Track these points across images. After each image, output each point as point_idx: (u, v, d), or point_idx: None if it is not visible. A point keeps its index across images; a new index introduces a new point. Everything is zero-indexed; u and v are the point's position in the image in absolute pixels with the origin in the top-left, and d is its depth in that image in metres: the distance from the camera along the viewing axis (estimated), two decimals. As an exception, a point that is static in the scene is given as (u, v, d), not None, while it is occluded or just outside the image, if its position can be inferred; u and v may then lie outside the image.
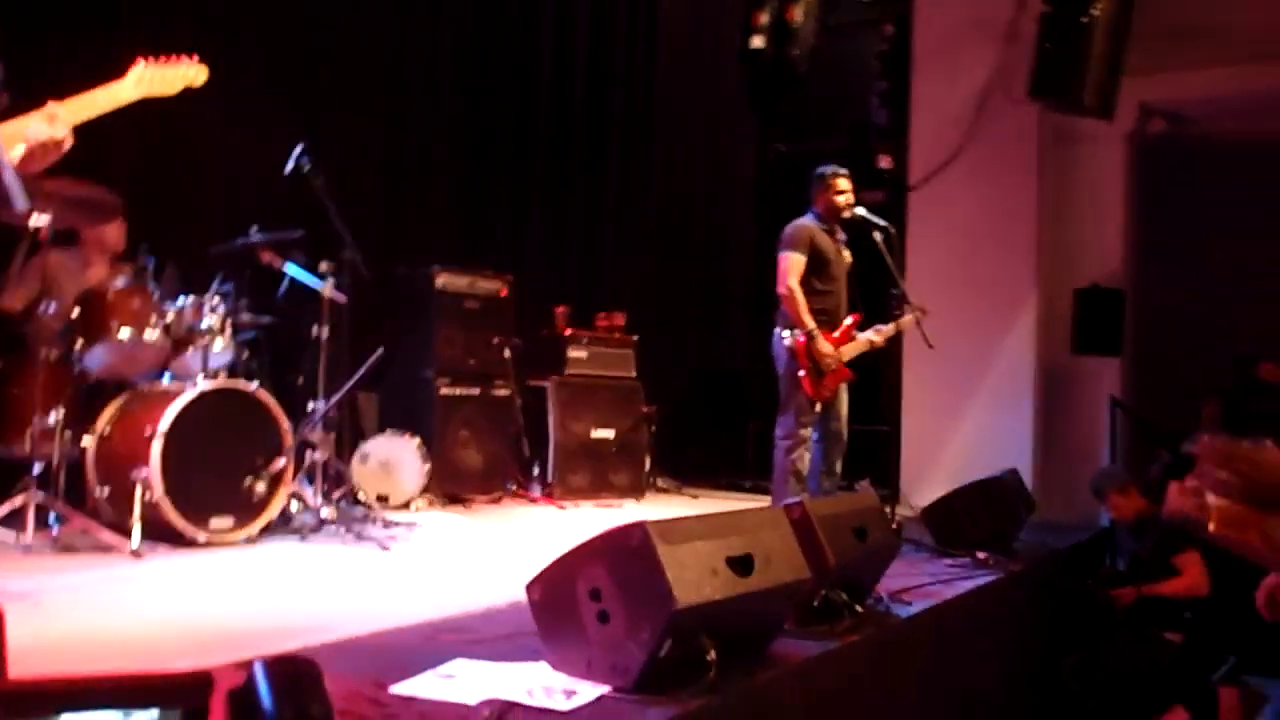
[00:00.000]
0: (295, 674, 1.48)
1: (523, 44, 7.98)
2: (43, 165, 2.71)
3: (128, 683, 1.22)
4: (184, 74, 2.98)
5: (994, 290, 6.64)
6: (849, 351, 5.31)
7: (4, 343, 4.63)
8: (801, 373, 5.15)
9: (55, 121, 2.64)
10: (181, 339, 4.73)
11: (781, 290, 5.23)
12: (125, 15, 5.51)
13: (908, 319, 5.39)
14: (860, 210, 5.37)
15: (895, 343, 5.70)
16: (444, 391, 6.35)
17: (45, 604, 3.32)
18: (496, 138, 7.75)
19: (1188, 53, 6.14)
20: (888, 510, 4.49)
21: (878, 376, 6.50)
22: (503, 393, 6.66)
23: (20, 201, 2.30)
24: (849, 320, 5.38)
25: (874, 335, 5.38)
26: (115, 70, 2.97)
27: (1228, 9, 6.08)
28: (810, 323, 5.17)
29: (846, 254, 5.47)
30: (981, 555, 4.65)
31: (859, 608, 3.23)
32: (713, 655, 2.44)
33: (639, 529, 2.40)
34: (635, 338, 7.29)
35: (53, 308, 4.46)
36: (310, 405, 5.21)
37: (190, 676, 1.24)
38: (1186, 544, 4.90)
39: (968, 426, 6.72)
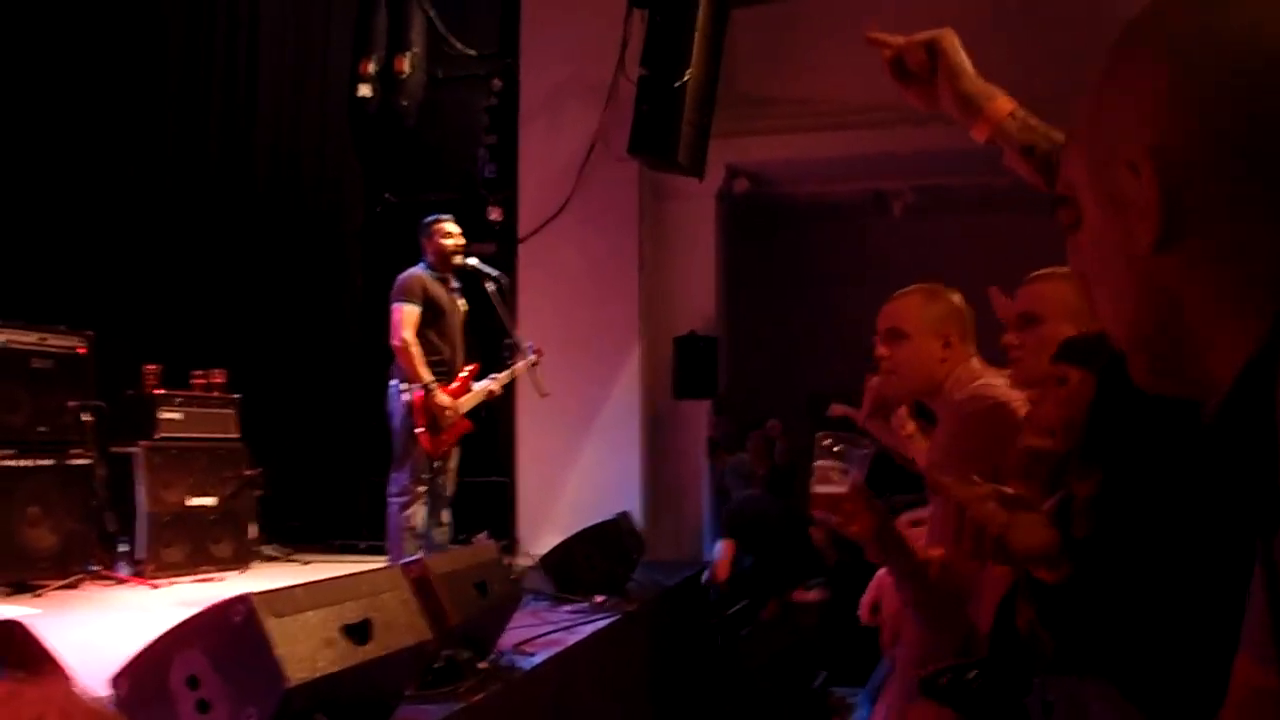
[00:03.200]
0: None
1: (104, 68, 7.29)
2: None
3: None
4: None
5: (600, 339, 6.87)
6: (467, 403, 5.27)
7: None
8: (419, 429, 5.03)
9: None
10: None
11: (395, 343, 5.10)
12: None
13: (524, 363, 5.44)
14: (472, 260, 5.38)
15: (509, 394, 5.73)
16: (6, 464, 5.54)
17: None
18: (71, 176, 7.00)
19: (767, 120, 6.75)
20: (507, 561, 4.48)
21: (492, 428, 6.50)
22: (81, 462, 5.93)
23: None
24: (466, 370, 5.34)
25: (491, 384, 5.39)
26: None
27: (802, 83, 6.75)
28: (428, 375, 5.07)
29: (461, 303, 5.44)
30: (599, 599, 4.74)
31: (482, 664, 3.16)
32: (329, 734, 2.26)
33: (242, 603, 2.18)
34: (237, 396, 6.80)
35: None
36: None
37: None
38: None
39: (580, 473, 6.87)
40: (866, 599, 3.19)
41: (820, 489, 1.88)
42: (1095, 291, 0.82)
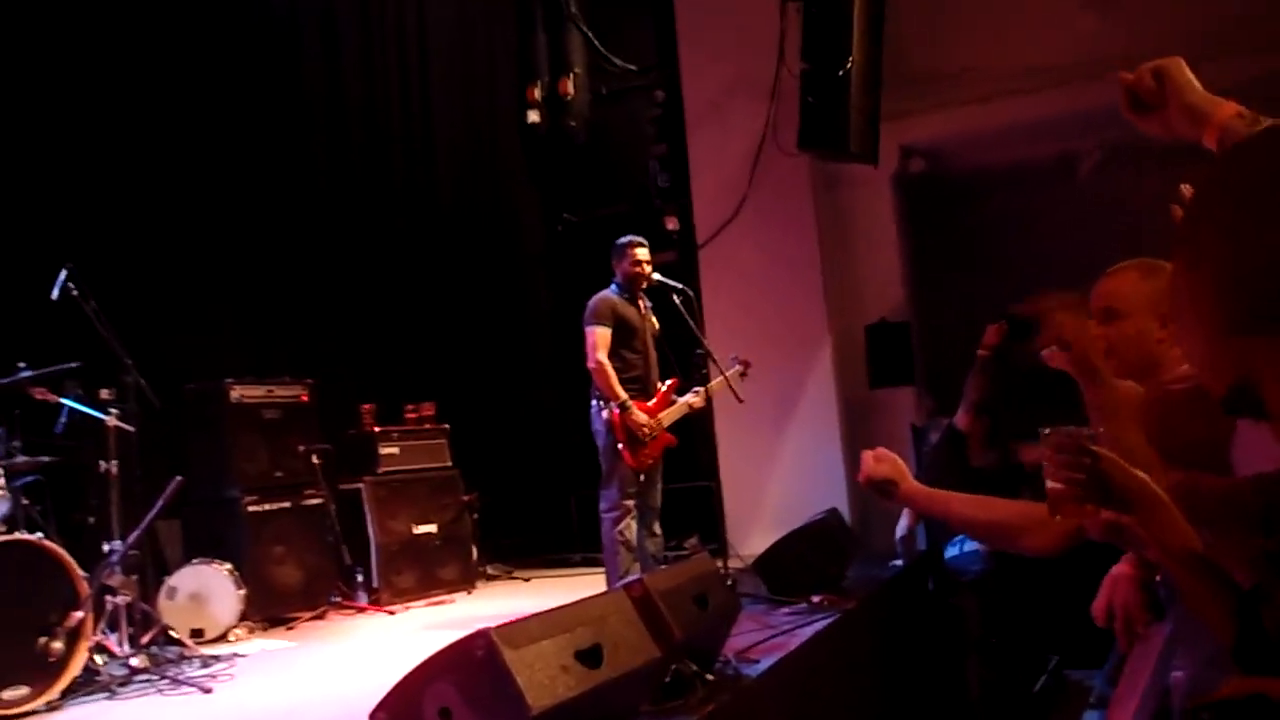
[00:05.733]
0: None
1: (294, 135, 7.77)
2: None
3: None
4: None
5: (789, 336, 6.84)
6: (668, 417, 5.36)
7: None
8: (621, 445, 5.17)
9: None
10: (-52, 495, 4.31)
11: (591, 365, 5.26)
12: None
13: (729, 374, 5.49)
14: (656, 276, 5.47)
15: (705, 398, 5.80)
16: (251, 509, 6.02)
17: None
18: (278, 238, 7.49)
19: (938, 95, 6.57)
20: (718, 564, 4.54)
21: (692, 433, 6.58)
22: (315, 501, 6.37)
23: None
24: (665, 385, 5.44)
25: (693, 398, 5.46)
26: None
27: (970, 52, 6.54)
28: (623, 394, 5.20)
29: (653, 320, 5.54)
30: (816, 599, 4.74)
31: (709, 676, 3.22)
32: (574, 757, 2.37)
33: (482, 638, 2.31)
34: (447, 426, 7.14)
35: None
36: (106, 546, 4.85)
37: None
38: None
39: (783, 471, 6.87)
40: (1099, 604, 3.05)
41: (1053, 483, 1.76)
42: None
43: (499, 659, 2.28)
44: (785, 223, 6.80)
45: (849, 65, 5.60)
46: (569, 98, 8.39)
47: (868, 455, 2.57)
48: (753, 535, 6.26)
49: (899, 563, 5.88)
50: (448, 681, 2.35)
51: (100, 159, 6.27)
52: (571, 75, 8.43)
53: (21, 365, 4.74)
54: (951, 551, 5.28)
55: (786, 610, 4.66)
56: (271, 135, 7.48)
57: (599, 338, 5.26)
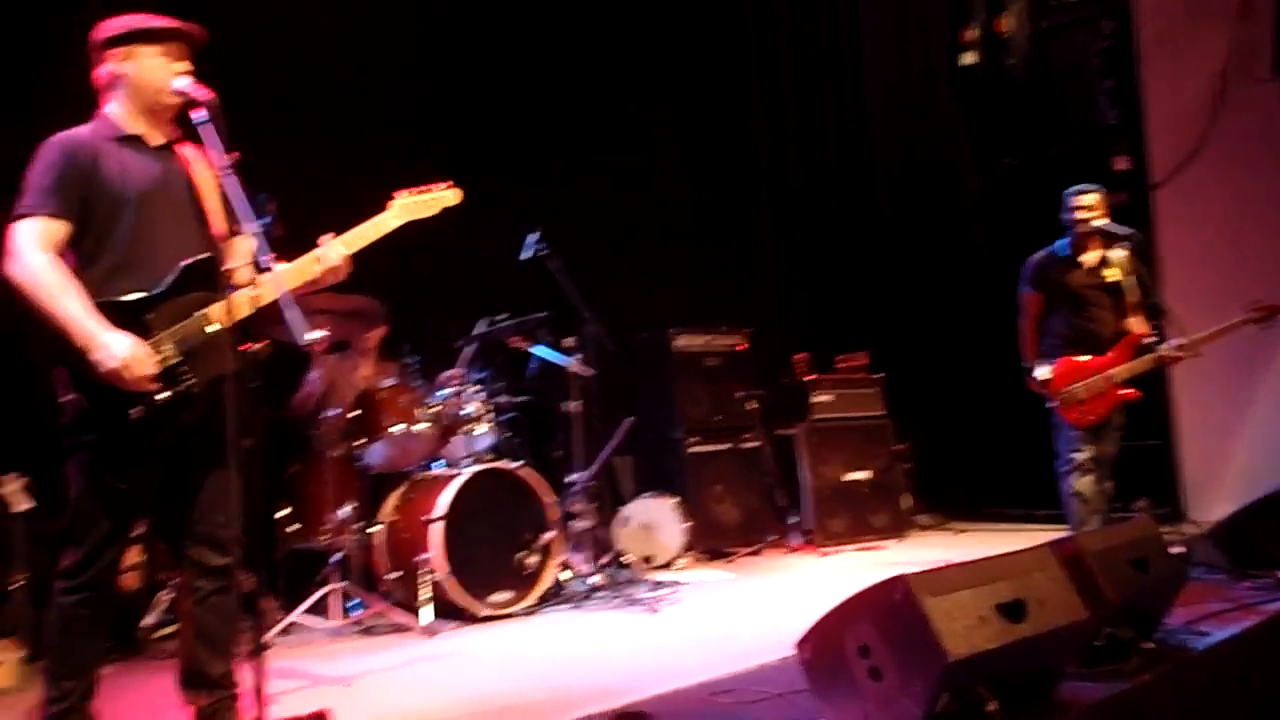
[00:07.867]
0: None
1: (734, 97, 8.14)
2: (323, 287, 3.08)
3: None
4: (440, 198, 3.28)
5: (1261, 286, 6.13)
6: (1124, 372, 5.03)
7: (296, 446, 5.11)
8: (1053, 404, 5.02)
9: (336, 254, 3.00)
10: (448, 427, 5.07)
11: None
12: (369, 149, 6.03)
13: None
14: (1097, 223, 5.13)
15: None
16: (694, 449, 6.49)
17: (359, 686, 3.67)
18: (717, 195, 7.91)
19: None
20: (1171, 530, 4.25)
21: (1145, 388, 6.14)
22: (752, 445, 6.74)
23: (301, 335, 2.61)
24: (1122, 341, 5.12)
25: (1166, 350, 5.05)
26: (346, 196, 3.36)
27: None
28: (1027, 361, 5.23)
29: (1105, 271, 5.21)
30: (1284, 574, 4.31)
31: (1148, 644, 3.08)
32: (993, 706, 2.39)
33: (900, 583, 2.39)
34: (881, 375, 7.20)
35: (334, 411, 4.90)
36: (570, 476, 5.48)
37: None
38: None
39: (1251, 433, 6.21)
40: None
41: None
42: None
43: (916, 605, 2.34)
44: (1256, 157, 6.08)
45: (1341, -28, 4.89)
46: (1007, 35, 8.00)
47: None
48: (1213, 501, 5.77)
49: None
50: (868, 622, 2.46)
51: (559, 142, 7.00)
52: (1009, 11, 8.03)
53: (502, 316, 5.46)
54: None
55: (1249, 584, 4.28)
56: (711, 91, 7.88)
57: (1024, 302, 5.31)
